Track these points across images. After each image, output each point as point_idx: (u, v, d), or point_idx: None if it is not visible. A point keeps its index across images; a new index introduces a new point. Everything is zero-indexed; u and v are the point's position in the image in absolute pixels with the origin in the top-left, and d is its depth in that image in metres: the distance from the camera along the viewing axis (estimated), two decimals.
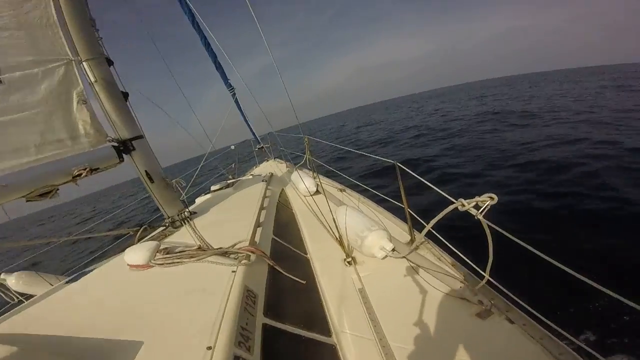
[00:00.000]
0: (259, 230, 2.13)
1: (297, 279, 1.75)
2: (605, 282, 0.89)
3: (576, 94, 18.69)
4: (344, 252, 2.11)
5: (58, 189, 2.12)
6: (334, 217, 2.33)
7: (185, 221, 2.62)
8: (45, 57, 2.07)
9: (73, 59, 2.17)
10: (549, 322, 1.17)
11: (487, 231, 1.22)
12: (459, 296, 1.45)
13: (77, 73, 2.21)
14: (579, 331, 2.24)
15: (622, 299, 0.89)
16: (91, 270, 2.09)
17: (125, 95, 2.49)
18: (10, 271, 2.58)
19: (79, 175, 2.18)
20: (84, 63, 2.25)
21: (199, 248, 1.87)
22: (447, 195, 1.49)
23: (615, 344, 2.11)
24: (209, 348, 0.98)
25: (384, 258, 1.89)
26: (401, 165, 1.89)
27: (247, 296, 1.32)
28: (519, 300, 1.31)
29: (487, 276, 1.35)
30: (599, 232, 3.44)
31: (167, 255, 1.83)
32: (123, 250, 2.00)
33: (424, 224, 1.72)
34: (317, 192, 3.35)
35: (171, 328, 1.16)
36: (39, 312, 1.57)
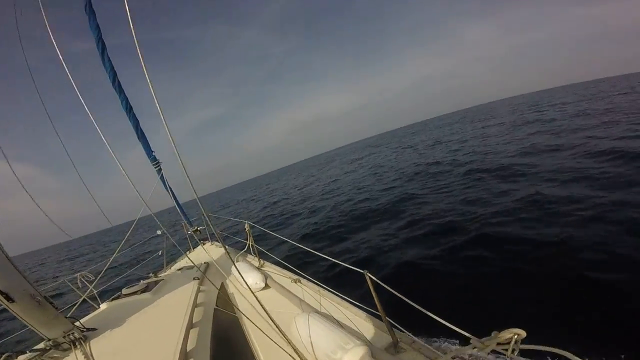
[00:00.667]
0: None
1: None
2: None
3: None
4: None
5: None
6: (296, 328, 1.87)
7: (78, 343, 2.00)
8: None
9: None
10: None
11: None
12: None
13: None
14: None
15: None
16: None
17: None
18: None
19: None
20: None
21: None
22: (456, 328, 1.30)
23: None
24: None
25: None
26: (372, 277, 1.68)
27: None
28: None
29: None
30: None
31: None
32: None
33: (408, 334, 1.56)
34: (267, 286, 2.79)
35: None
36: None
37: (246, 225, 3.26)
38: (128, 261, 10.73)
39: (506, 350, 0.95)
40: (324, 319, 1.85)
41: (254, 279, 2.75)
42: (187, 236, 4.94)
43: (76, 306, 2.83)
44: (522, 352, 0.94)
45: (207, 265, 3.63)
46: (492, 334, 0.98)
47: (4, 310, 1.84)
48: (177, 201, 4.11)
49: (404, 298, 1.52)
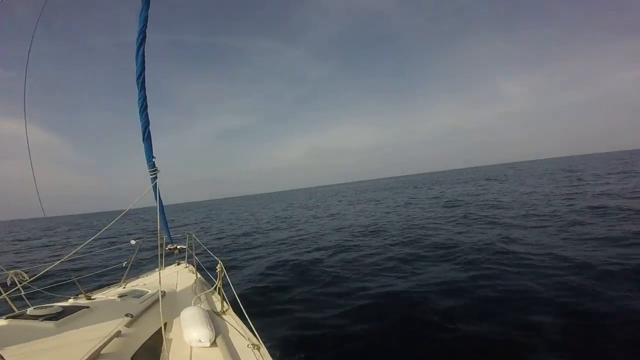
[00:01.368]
0: None
1: None
2: None
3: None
4: None
5: None
6: None
7: None
8: None
9: None
10: None
11: None
12: None
13: None
14: None
15: None
16: None
17: None
18: None
19: None
20: None
21: None
22: None
23: None
24: None
25: None
26: None
27: None
28: None
29: None
30: None
31: None
32: None
33: None
34: (214, 344, 2.14)
35: None
36: None
37: (217, 267, 2.66)
38: (90, 264, 9.40)
39: None
40: None
41: (199, 334, 2.15)
42: (164, 252, 4.26)
43: None
44: None
45: (164, 294, 2.82)
46: None
47: None
48: (163, 214, 3.70)
49: None
